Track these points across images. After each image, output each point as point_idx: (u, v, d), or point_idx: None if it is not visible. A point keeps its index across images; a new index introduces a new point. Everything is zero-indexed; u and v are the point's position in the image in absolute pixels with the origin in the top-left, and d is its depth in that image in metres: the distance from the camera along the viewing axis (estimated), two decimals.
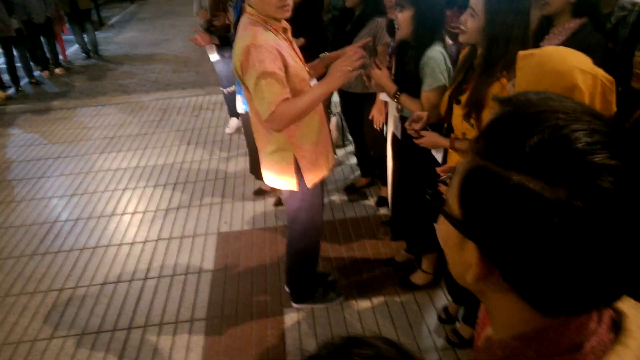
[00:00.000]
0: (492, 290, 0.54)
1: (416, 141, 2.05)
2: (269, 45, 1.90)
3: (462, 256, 0.55)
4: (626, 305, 0.54)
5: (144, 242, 3.35)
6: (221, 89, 4.82)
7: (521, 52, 1.28)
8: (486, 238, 0.50)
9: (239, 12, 3.19)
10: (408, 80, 2.26)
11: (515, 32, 1.70)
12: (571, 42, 1.94)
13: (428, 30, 2.15)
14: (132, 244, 3.35)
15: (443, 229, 0.58)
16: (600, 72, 1.19)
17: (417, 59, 2.18)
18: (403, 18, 2.13)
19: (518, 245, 0.46)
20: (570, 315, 0.50)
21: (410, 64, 2.22)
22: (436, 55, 2.15)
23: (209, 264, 3.09)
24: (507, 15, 1.69)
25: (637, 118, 1.64)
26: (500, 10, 1.69)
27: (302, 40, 3.18)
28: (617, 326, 0.52)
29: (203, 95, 6.17)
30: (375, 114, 3.02)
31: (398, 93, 2.27)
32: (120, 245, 3.34)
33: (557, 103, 0.50)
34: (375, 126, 3.05)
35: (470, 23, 1.76)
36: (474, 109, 1.81)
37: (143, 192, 4.01)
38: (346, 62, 1.95)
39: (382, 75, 2.28)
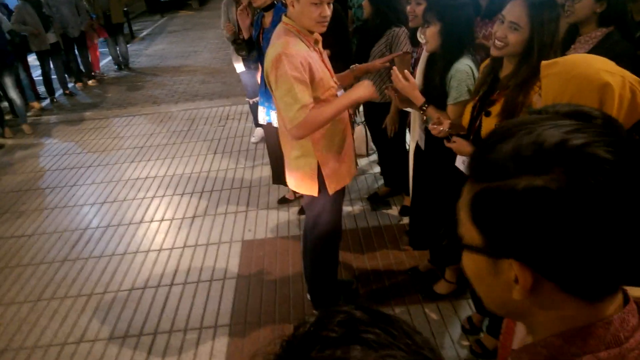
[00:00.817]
0: (537, 301, 0.55)
1: (447, 144, 2.01)
2: (300, 56, 1.96)
3: (499, 279, 0.56)
4: None
5: (171, 249, 3.42)
6: (247, 99, 4.91)
7: (544, 62, 1.27)
8: (518, 247, 0.52)
9: (259, 28, 3.25)
10: (434, 92, 2.26)
11: (556, 39, 1.71)
12: (597, 50, 1.93)
13: (455, 43, 2.14)
14: (159, 250, 3.42)
15: (470, 264, 0.60)
16: (627, 73, 1.19)
17: (444, 72, 2.18)
18: (430, 33, 2.14)
19: (548, 239, 0.49)
20: (610, 293, 0.53)
21: (436, 77, 2.22)
22: (464, 68, 2.14)
23: (233, 271, 3.14)
24: (551, 24, 1.68)
25: None
26: (545, 20, 1.68)
27: (327, 51, 3.21)
28: None
29: (229, 105, 6.29)
30: (389, 123, 3.04)
31: (425, 105, 2.24)
32: (148, 252, 3.43)
33: (526, 117, 0.56)
34: (388, 134, 3.08)
35: (512, 37, 1.72)
36: (507, 119, 1.79)
37: (171, 200, 4.10)
38: (370, 87, 2.07)
39: (410, 87, 2.22)
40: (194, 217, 3.80)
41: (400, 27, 2.93)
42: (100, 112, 6.60)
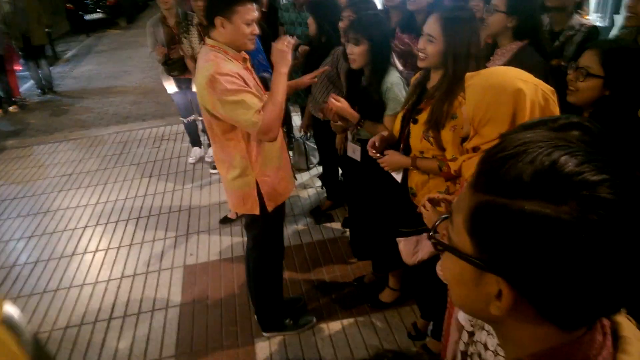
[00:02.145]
0: (512, 315, 0.55)
1: (380, 163, 2.09)
2: (232, 72, 1.97)
3: (480, 290, 0.57)
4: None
5: (108, 281, 3.25)
6: (181, 118, 4.80)
7: (468, 74, 1.35)
8: (511, 268, 0.52)
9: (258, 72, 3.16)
10: (370, 106, 2.33)
11: (472, 49, 1.81)
12: (513, 62, 2.06)
13: (384, 59, 2.27)
14: (94, 283, 3.24)
15: (453, 267, 0.60)
16: (541, 83, 1.27)
17: (377, 87, 2.27)
18: (359, 51, 2.22)
19: (545, 268, 0.49)
20: (586, 325, 0.55)
21: (373, 92, 2.29)
22: (396, 80, 2.26)
23: (176, 298, 3.03)
24: (464, 35, 1.79)
25: None
26: (457, 31, 1.79)
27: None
28: (615, 335, 0.57)
29: (164, 125, 6.12)
30: (338, 145, 3.04)
31: (362, 121, 2.34)
32: (82, 285, 3.23)
33: (533, 134, 0.55)
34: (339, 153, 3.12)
35: (429, 48, 1.84)
36: (434, 127, 1.88)
37: (105, 229, 3.91)
38: (280, 45, 2.05)
39: (343, 107, 2.32)
40: (130, 245, 3.64)
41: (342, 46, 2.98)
42: (23, 140, 6.20)
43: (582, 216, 0.47)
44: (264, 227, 2.34)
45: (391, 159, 2.07)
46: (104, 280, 3.26)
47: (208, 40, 2.06)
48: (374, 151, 2.11)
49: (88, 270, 3.39)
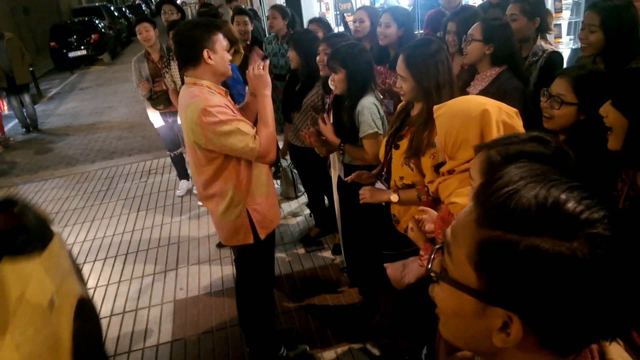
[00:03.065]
0: (515, 345, 0.56)
1: (361, 200, 2.18)
2: (221, 103, 2.02)
3: (481, 323, 0.57)
4: None
5: None
6: (168, 152, 4.82)
7: (435, 106, 1.43)
8: (523, 302, 0.53)
9: (238, 102, 3.20)
10: (346, 129, 2.42)
11: (441, 79, 1.88)
12: (492, 87, 2.14)
13: (359, 85, 2.37)
14: None
15: (450, 300, 0.60)
16: (504, 105, 1.35)
17: (352, 110, 2.37)
18: (338, 79, 2.36)
19: (556, 301, 0.51)
20: (580, 350, 0.57)
21: (345, 115, 2.40)
22: (368, 104, 2.34)
23: (166, 335, 2.98)
24: (429, 69, 1.87)
25: None
26: (422, 67, 1.88)
27: None
28: (602, 358, 0.59)
29: (151, 159, 6.12)
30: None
31: (342, 144, 2.45)
32: None
33: (526, 169, 0.57)
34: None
35: (404, 86, 1.94)
36: (414, 154, 1.93)
37: (93, 267, 3.85)
38: (255, 71, 2.11)
39: (328, 129, 2.48)
40: (119, 282, 3.59)
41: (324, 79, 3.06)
42: (7, 180, 6.15)
43: (592, 252, 0.50)
44: (256, 256, 2.34)
45: (371, 196, 2.16)
46: None
47: (188, 79, 2.10)
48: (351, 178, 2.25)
49: None
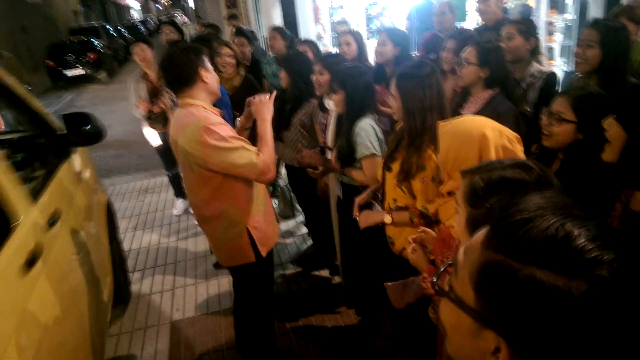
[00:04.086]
0: None
1: (360, 226, 2.23)
2: (222, 122, 2.06)
3: (476, 343, 0.58)
4: None
5: None
6: (165, 171, 4.83)
7: (441, 122, 1.44)
8: (513, 329, 0.53)
9: None
10: (343, 151, 2.45)
11: (427, 103, 1.92)
12: (486, 109, 2.18)
13: (357, 106, 2.40)
14: None
15: (452, 317, 0.61)
16: (506, 129, 1.37)
17: (349, 132, 2.40)
18: (337, 99, 2.41)
19: (545, 334, 0.51)
20: None
21: (343, 137, 2.44)
22: (366, 126, 2.37)
23: (163, 356, 2.95)
24: (416, 91, 1.92)
25: (556, 171, 1.82)
26: (409, 88, 1.93)
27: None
28: None
29: (148, 178, 6.12)
30: (320, 194, 3.14)
31: (342, 170, 2.50)
32: None
33: (546, 200, 0.57)
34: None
35: (394, 105, 1.99)
36: (405, 177, 1.95)
37: None
38: (262, 97, 2.21)
39: (323, 162, 2.59)
40: (115, 303, 3.56)
41: (316, 98, 3.11)
42: None
43: (590, 293, 0.49)
44: (257, 274, 2.35)
45: (366, 220, 2.21)
46: None
47: (182, 101, 2.11)
48: (357, 211, 2.29)
49: None
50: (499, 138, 1.32)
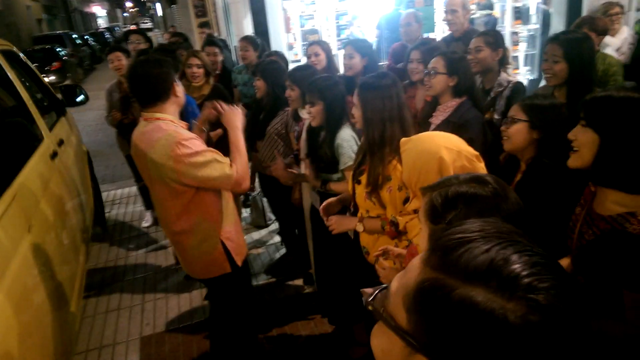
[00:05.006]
0: None
1: (330, 228, 2.21)
2: (192, 136, 2.03)
3: None
4: None
5: None
6: (136, 182, 4.72)
7: (403, 139, 1.46)
8: (444, 353, 0.50)
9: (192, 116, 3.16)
10: (327, 160, 2.45)
11: (386, 114, 1.95)
12: (453, 117, 2.23)
13: (337, 116, 2.41)
14: None
15: (383, 340, 0.58)
16: (465, 149, 1.38)
17: (332, 142, 2.40)
18: (316, 111, 2.39)
19: (477, 357, 0.48)
20: None
21: (325, 147, 2.43)
22: (347, 137, 2.39)
23: None
24: (375, 102, 1.95)
25: (518, 182, 1.87)
26: (369, 98, 1.96)
27: (220, 131, 3.27)
28: None
29: (115, 189, 5.97)
30: (296, 201, 3.13)
31: (324, 185, 2.50)
32: None
33: (491, 224, 0.56)
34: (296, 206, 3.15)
35: (356, 114, 2.02)
36: (372, 189, 1.96)
37: None
38: (231, 107, 2.22)
39: (309, 178, 2.57)
40: (82, 318, 3.43)
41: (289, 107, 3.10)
42: None
43: (525, 318, 0.48)
44: (234, 285, 2.32)
45: (338, 224, 2.19)
46: None
47: (149, 114, 2.05)
48: (324, 216, 2.26)
49: None
50: (457, 159, 1.33)
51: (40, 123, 3.16)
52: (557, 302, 0.49)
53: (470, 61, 2.69)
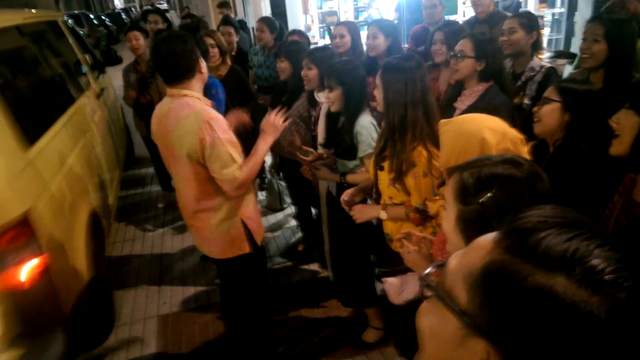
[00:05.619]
0: None
1: (353, 217, 2.17)
2: (222, 119, 2.03)
3: (458, 352, 0.52)
4: None
5: None
6: (152, 163, 4.74)
7: (442, 121, 1.41)
8: (510, 340, 0.48)
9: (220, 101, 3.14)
10: (346, 147, 2.40)
11: (409, 98, 1.88)
12: (481, 102, 2.16)
13: (356, 102, 2.34)
14: None
15: (433, 319, 0.56)
16: (511, 131, 1.32)
17: (350, 129, 2.34)
18: (335, 96, 2.33)
19: (551, 349, 0.46)
20: None
21: (344, 134, 2.37)
22: (366, 124, 2.32)
23: (150, 351, 2.89)
24: (398, 84, 1.89)
25: (545, 164, 1.82)
26: (392, 80, 1.90)
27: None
28: None
29: (132, 169, 6.00)
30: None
31: (342, 178, 2.44)
32: None
33: (576, 213, 0.53)
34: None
35: (377, 96, 1.97)
36: (396, 175, 1.92)
37: None
38: (275, 120, 2.19)
39: (324, 173, 2.53)
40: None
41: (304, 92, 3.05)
42: None
43: (610, 313, 0.46)
44: (252, 265, 2.33)
45: (360, 213, 2.15)
46: None
47: (175, 91, 2.05)
48: (346, 206, 2.22)
49: None
50: (501, 141, 1.28)
51: (89, 74, 4.41)
52: (638, 302, 0.46)
53: (502, 42, 2.60)
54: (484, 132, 1.28)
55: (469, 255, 0.55)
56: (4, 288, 1.89)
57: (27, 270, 1.92)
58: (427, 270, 0.61)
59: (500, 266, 0.50)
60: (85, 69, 4.38)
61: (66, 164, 2.64)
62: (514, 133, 1.31)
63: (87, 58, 4.71)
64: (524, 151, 1.30)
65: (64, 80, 3.55)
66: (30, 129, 2.34)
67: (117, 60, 5.24)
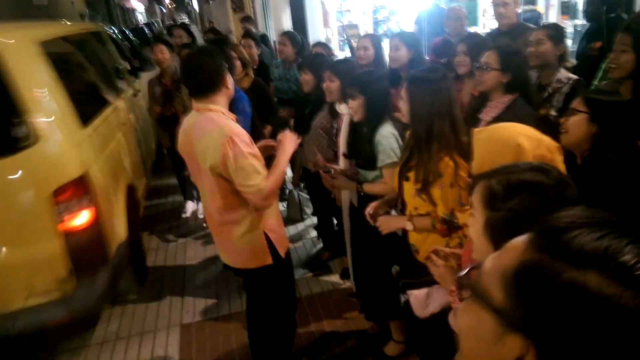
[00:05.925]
0: None
1: (379, 229, 2.17)
2: (245, 134, 2.06)
3: (495, 349, 0.54)
4: None
5: (102, 344, 3.13)
6: (175, 173, 4.82)
7: (476, 129, 1.42)
8: (546, 334, 0.50)
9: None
10: (366, 157, 2.41)
11: (435, 109, 1.89)
12: (506, 114, 2.16)
13: (377, 112, 2.35)
14: (88, 347, 3.12)
15: (471, 317, 0.58)
16: (546, 139, 1.33)
17: (371, 138, 2.35)
18: (356, 105, 2.33)
19: (585, 343, 0.48)
20: None
21: (365, 144, 2.38)
22: (387, 134, 2.32)
23: (173, 359, 2.93)
24: (423, 96, 1.90)
25: (573, 176, 1.81)
26: (417, 92, 1.91)
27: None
28: None
29: (155, 180, 6.10)
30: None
31: (360, 186, 2.46)
32: (75, 349, 3.11)
33: (604, 213, 0.55)
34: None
35: (403, 108, 1.98)
36: (422, 186, 1.93)
37: None
38: (293, 137, 2.26)
39: (341, 182, 2.58)
40: (125, 305, 3.54)
41: (327, 103, 3.08)
42: None
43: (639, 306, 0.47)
44: (274, 277, 2.34)
45: (386, 224, 2.16)
46: (97, 343, 3.14)
47: (201, 105, 2.10)
48: (371, 220, 2.22)
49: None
50: (537, 147, 1.27)
51: (127, 77, 4.99)
52: None
53: (530, 54, 2.59)
54: (520, 138, 1.29)
55: (503, 256, 0.57)
56: (66, 229, 2.44)
57: (82, 217, 2.50)
58: (464, 272, 0.64)
59: (534, 264, 0.52)
60: (122, 72, 4.87)
61: (109, 145, 3.26)
62: (549, 141, 1.31)
63: (125, 63, 5.31)
64: (559, 159, 1.30)
65: (108, 80, 4.18)
66: (84, 114, 2.90)
67: (150, 68, 5.69)
